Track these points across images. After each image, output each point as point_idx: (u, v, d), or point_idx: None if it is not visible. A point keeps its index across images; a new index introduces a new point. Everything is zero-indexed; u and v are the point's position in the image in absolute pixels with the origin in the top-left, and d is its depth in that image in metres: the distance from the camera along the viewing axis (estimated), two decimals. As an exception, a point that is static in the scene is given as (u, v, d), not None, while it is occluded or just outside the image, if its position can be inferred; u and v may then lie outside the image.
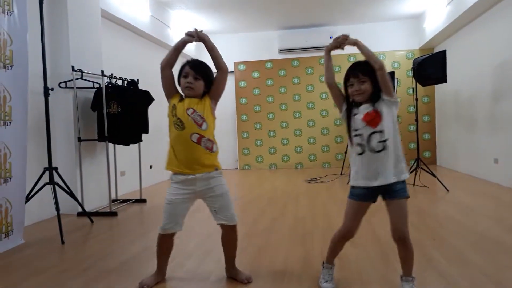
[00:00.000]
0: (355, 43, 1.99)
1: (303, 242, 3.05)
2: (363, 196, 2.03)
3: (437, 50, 7.67)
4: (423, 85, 5.32)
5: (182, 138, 2.13)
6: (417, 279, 2.24)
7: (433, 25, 7.04)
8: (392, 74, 5.94)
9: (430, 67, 5.08)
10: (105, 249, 3.05)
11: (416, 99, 5.32)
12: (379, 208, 3.83)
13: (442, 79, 5.06)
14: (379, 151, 1.91)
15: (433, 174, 5.17)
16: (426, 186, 5.29)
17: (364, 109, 1.98)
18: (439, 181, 5.14)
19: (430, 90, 7.97)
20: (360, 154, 1.97)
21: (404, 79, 8.02)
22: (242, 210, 4.34)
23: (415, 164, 5.32)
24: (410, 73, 7.89)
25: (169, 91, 2.23)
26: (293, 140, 8.51)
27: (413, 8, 7.27)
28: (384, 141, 1.90)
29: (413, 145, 8.06)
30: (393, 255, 2.67)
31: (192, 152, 2.13)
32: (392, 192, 1.95)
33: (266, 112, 8.57)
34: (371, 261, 2.60)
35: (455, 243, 2.89)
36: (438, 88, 7.83)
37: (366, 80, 1.96)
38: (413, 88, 5.32)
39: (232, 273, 2.34)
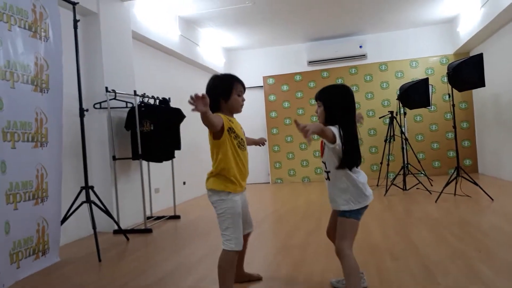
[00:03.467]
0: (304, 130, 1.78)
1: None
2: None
3: (472, 54, 7.39)
4: (460, 90, 5.12)
5: (245, 156, 2.21)
6: (464, 294, 2.11)
7: (467, 28, 6.81)
8: (426, 81, 5.76)
9: (466, 72, 4.88)
10: (141, 266, 3.07)
11: (453, 105, 5.11)
12: (417, 221, 3.69)
13: (480, 83, 4.85)
14: (326, 179, 2.14)
15: (475, 183, 4.91)
16: (468, 196, 5.03)
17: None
18: (482, 189, 4.87)
19: (467, 96, 7.67)
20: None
21: (439, 85, 7.76)
22: (275, 224, 4.27)
23: (455, 173, 5.08)
24: (445, 79, 7.68)
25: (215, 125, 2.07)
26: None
27: (446, 12, 7.06)
28: (328, 172, 2.09)
29: (452, 153, 7.74)
30: (435, 268, 2.53)
31: (246, 170, 2.24)
32: (339, 212, 2.10)
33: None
34: (412, 274, 2.46)
35: (503, 256, 2.71)
36: (476, 93, 7.51)
37: (320, 105, 2.10)
38: (449, 94, 5.12)
39: None
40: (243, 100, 2.24)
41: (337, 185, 2.07)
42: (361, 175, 2.08)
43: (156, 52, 6.03)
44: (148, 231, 4.27)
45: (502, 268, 2.46)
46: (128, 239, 3.98)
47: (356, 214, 2.04)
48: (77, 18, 3.55)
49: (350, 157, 1.99)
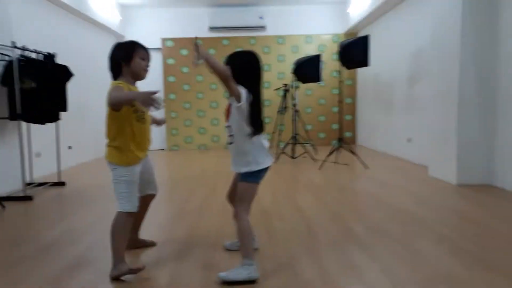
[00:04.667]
0: (205, 58, 1.92)
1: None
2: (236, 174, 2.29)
3: (360, 35, 8.05)
4: (348, 68, 5.57)
5: (145, 129, 2.18)
6: (341, 250, 2.40)
7: (357, 10, 7.36)
8: (318, 57, 6.14)
9: (354, 51, 5.32)
10: (20, 235, 2.82)
11: (341, 81, 5.55)
12: (302, 187, 3.99)
13: (365, 62, 5.33)
14: (230, 144, 2.18)
15: (353, 152, 5.48)
16: (347, 164, 5.61)
17: (228, 101, 2.17)
18: (359, 159, 5.47)
19: (352, 74, 8.39)
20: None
21: (330, 62, 8.32)
22: (171, 190, 4.26)
23: (338, 143, 5.59)
24: (335, 57, 8.26)
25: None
26: (223, 121, 8.46)
27: (338, -7, 7.52)
28: (231, 135, 2.13)
29: (335, 126, 8.47)
30: (317, 227, 2.81)
31: (147, 140, 2.23)
32: (240, 175, 2.17)
33: (196, 92, 8.42)
34: (297, 233, 2.70)
35: (373, 216, 3.12)
36: (360, 71, 8.26)
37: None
38: (338, 71, 5.54)
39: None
40: (147, 66, 2.16)
41: (240, 148, 2.12)
42: (262, 139, 2.16)
43: (41, 0, 5.34)
44: (27, 198, 3.91)
45: (371, 227, 2.84)
46: (4, 206, 3.60)
47: (256, 178, 2.13)
48: None
49: (255, 120, 2.06)
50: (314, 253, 2.35)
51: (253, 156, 2.10)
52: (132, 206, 2.10)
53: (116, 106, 1.97)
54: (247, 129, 2.06)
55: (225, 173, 5.24)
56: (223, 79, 1.94)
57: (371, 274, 2.06)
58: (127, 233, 2.15)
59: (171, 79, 8.36)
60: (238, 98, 2.00)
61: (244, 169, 2.12)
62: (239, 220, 2.09)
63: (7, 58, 4.08)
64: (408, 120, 6.00)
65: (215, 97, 8.45)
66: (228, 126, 2.14)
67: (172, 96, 8.38)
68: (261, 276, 2.02)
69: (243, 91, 2.01)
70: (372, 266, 2.16)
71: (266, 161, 2.14)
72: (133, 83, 2.13)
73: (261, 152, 2.13)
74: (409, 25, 5.87)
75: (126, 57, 2.08)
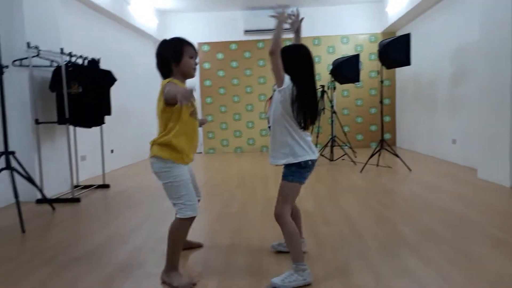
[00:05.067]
0: (279, 24, 1.97)
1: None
2: None
3: (399, 33, 7.85)
4: (388, 67, 5.42)
5: (196, 126, 2.14)
6: (390, 253, 2.32)
7: (395, 9, 7.17)
8: (357, 57, 6.02)
9: (395, 50, 5.17)
10: (71, 237, 2.91)
11: (382, 82, 5.42)
12: (345, 190, 3.91)
13: (406, 62, 5.17)
14: (270, 135, 2.12)
15: (396, 155, 5.33)
16: (389, 167, 5.45)
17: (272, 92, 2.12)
18: (402, 161, 5.30)
19: (391, 73, 8.17)
20: None
21: (367, 63, 8.16)
22: (211, 193, 4.28)
23: (379, 145, 5.45)
24: (373, 57, 8.10)
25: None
26: (259, 123, 8.48)
27: (376, -9, 7.36)
28: (269, 127, 2.09)
29: (374, 127, 8.28)
30: (364, 232, 2.73)
31: (196, 141, 2.16)
32: (282, 174, 2.09)
33: (231, 95, 8.47)
34: (344, 238, 2.63)
35: (423, 220, 3.00)
36: (399, 71, 8.04)
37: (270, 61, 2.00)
38: (377, 71, 5.41)
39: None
40: (196, 63, 2.13)
41: (277, 138, 2.04)
42: (305, 134, 2.07)
43: (84, 8, 5.54)
44: (75, 200, 4.04)
45: (421, 230, 2.73)
46: (54, 208, 3.74)
47: (299, 177, 2.03)
48: (-7, -40, 3.12)
49: (301, 113, 1.96)
50: (364, 258, 2.28)
51: (290, 148, 2.01)
52: (192, 209, 2.01)
53: (172, 100, 1.87)
54: (286, 120, 1.99)
55: (263, 176, 5.21)
56: (273, 51, 1.89)
57: (427, 279, 1.97)
58: (185, 238, 2.12)
59: (207, 83, 8.45)
60: (279, 80, 1.94)
61: (281, 161, 2.03)
62: (283, 224, 2.01)
63: (55, 64, 4.24)
64: (452, 120, 5.76)
65: (251, 100, 8.46)
66: (268, 118, 2.10)
67: (208, 100, 8.46)
68: (313, 281, 1.98)
69: (287, 78, 1.95)
70: (428, 271, 2.06)
71: (307, 155, 2.02)
72: (183, 82, 2.09)
73: (301, 145, 2.02)
74: (452, 22, 5.65)
75: (176, 58, 2.02)
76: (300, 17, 2.12)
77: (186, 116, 2.02)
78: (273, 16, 1.99)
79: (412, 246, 2.44)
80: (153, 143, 2.04)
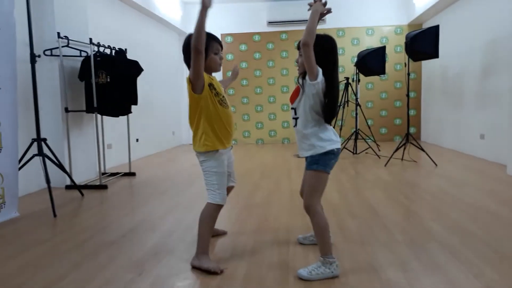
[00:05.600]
0: (314, 12, 1.97)
1: (302, 213, 3.03)
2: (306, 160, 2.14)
3: (425, 26, 7.66)
4: (415, 60, 5.32)
5: (229, 114, 2.17)
6: (419, 247, 2.29)
7: (423, 0, 7.00)
8: (383, 49, 5.92)
9: (423, 42, 5.06)
10: (100, 222, 2.98)
11: (409, 74, 5.32)
12: (370, 183, 3.86)
13: (434, 54, 5.06)
14: (294, 126, 2.11)
15: (422, 149, 5.24)
16: (414, 161, 5.37)
17: (296, 83, 2.12)
18: (428, 156, 5.21)
19: (417, 66, 8.00)
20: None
21: (392, 55, 8.02)
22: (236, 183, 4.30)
23: (405, 139, 5.36)
24: (399, 49, 7.95)
25: (202, 70, 2.00)
26: (280, 115, 8.46)
27: (404, -18, 7.19)
28: (296, 118, 2.07)
29: (398, 121, 8.15)
30: (393, 226, 2.70)
31: (231, 129, 2.20)
32: (306, 163, 2.09)
33: (254, 86, 8.46)
34: (372, 231, 2.61)
35: (452, 215, 2.94)
36: (425, 64, 7.87)
37: (301, 53, 1.96)
38: (405, 63, 5.31)
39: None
40: (221, 58, 2.18)
41: (304, 131, 2.03)
42: (328, 124, 2.07)
43: (110, -1, 5.61)
44: (103, 187, 4.13)
45: (451, 226, 2.69)
46: (82, 194, 3.83)
47: (325, 166, 2.00)
48: (27, -49, 3.18)
49: (329, 106, 1.98)
50: (393, 251, 2.26)
51: (316, 139, 2.00)
52: (222, 198, 2.13)
53: (197, 41, 1.88)
54: (316, 113, 1.99)
55: (286, 167, 5.21)
56: (307, 43, 1.84)
57: (459, 276, 1.94)
58: (214, 224, 2.17)
59: (230, 74, 8.43)
60: (313, 74, 1.91)
61: (308, 153, 2.02)
62: (314, 215, 2.00)
63: (84, 54, 4.31)
64: (480, 115, 5.62)
65: (273, 92, 8.44)
66: (293, 109, 2.09)
67: (230, 91, 8.47)
68: (340, 274, 1.97)
69: (320, 71, 1.93)
70: (459, 267, 2.03)
71: (332, 144, 2.00)
72: (209, 74, 2.14)
73: (326, 135, 2.01)
74: (483, 13, 5.48)
75: (206, 51, 2.03)
76: (327, 8, 2.07)
77: (215, 105, 2.07)
78: (310, 5, 1.99)
79: (441, 241, 2.40)
80: (193, 138, 2.17)
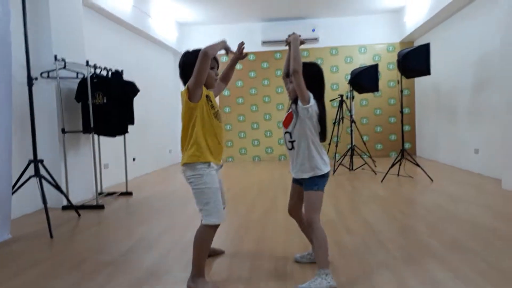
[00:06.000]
0: (288, 42, 2.16)
1: (298, 231, 3.03)
2: (294, 180, 2.33)
3: (417, 43, 7.82)
4: (407, 77, 5.41)
5: (222, 129, 2.19)
6: (419, 265, 2.30)
7: (414, 19, 7.16)
8: (376, 67, 6.02)
9: (414, 60, 5.16)
10: (97, 242, 2.97)
11: (402, 91, 5.40)
12: (366, 199, 3.89)
13: (426, 71, 5.15)
14: (290, 149, 2.20)
15: (418, 165, 5.28)
16: (410, 176, 5.40)
17: (289, 109, 2.23)
18: (424, 171, 5.25)
19: (410, 83, 8.12)
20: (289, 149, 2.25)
21: (385, 72, 8.14)
22: (232, 202, 4.30)
23: (400, 155, 5.41)
24: (391, 66, 8.08)
25: (205, 75, 2.04)
26: (276, 132, 8.52)
27: (394, 2, 7.37)
28: (292, 141, 2.16)
29: (393, 137, 8.22)
30: (389, 242, 2.71)
31: (222, 144, 2.20)
32: (304, 185, 2.19)
33: (249, 104, 8.54)
34: (369, 248, 2.62)
35: (449, 231, 2.96)
36: (418, 80, 7.99)
37: (292, 81, 2.09)
38: (398, 81, 5.40)
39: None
40: (217, 74, 2.22)
41: (302, 154, 2.14)
42: (322, 146, 2.22)
43: (107, 21, 5.70)
44: (100, 207, 4.12)
45: (448, 241, 2.70)
46: (79, 215, 3.82)
47: (322, 185, 2.15)
48: (25, -23, 3.26)
49: (323, 128, 2.16)
50: (390, 267, 2.27)
51: (315, 162, 2.13)
52: (217, 217, 2.05)
53: (204, 61, 1.96)
54: (312, 135, 2.11)
55: (282, 185, 5.23)
56: (296, 70, 1.99)
57: (457, 291, 1.95)
58: (209, 245, 2.14)
59: (226, 92, 8.54)
60: (305, 99, 2.04)
61: (308, 175, 2.14)
62: (315, 229, 2.10)
63: (81, 75, 4.36)
64: (474, 130, 5.69)
65: (268, 110, 8.51)
66: (287, 132, 2.18)
67: (226, 109, 8.54)
68: (336, 286, 1.98)
69: (311, 95, 2.07)
70: (457, 283, 2.04)
71: (327, 167, 2.18)
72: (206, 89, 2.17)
73: (323, 158, 2.16)
74: (473, 30, 5.60)
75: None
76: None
77: (210, 117, 2.09)
78: (287, 42, 2.17)
79: (439, 257, 2.41)
80: (183, 151, 2.12)
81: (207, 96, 2.09)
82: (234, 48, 2.49)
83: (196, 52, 2.10)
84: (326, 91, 2.23)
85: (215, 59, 2.19)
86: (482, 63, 5.42)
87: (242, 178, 6.06)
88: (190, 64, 2.05)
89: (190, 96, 2.03)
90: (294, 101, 2.15)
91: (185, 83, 2.12)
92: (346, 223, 3.26)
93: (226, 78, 2.53)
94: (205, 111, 2.07)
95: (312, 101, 2.06)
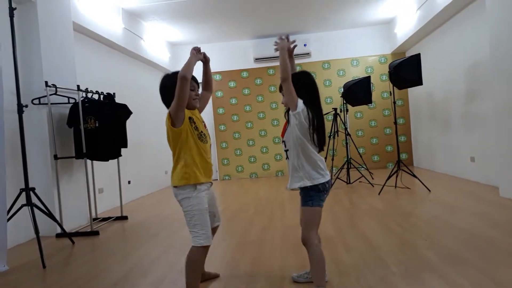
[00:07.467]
0: (281, 50, 2.09)
1: (295, 250, 2.99)
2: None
3: (408, 54, 7.88)
4: (400, 88, 5.42)
5: (207, 150, 2.18)
6: (415, 278, 2.25)
7: (404, 30, 7.23)
8: (368, 79, 6.04)
9: (406, 70, 5.18)
10: (91, 271, 2.91)
11: (394, 102, 5.41)
12: (364, 213, 3.85)
13: (418, 81, 5.17)
14: (286, 159, 2.18)
15: (414, 176, 5.25)
16: (408, 188, 5.37)
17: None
18: (421, 182, 5.22)
19: (403, 93, 8.16)
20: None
21: (378, 84, 8.18)
22: (229, 221, 4.25)
23: (396, 166, 5.38)
24: (384, 77, 8.12)
25: (186, 99, 2.06)
26: (273, 148, 8.50)
27: (384, 14, 7.45)
28: (286, 150, 2.14)
29: (390, 148, 8.21)
30: (387, 257, 2.67)
31: (210, 162, 2.21)
32: (300, 198, 2.14)
33: (244, 121, 8.53)
34: (367, 264, 2.57)
35: (446, 242, 2.92)
36: (411, 91, 8.02)
37: (283, 88, 2.07)
38: (390, 92, 5.41)
39: None
40: (196, 94, 2.22)
41: (294, 163, 2.11)
42: (318, 156, 2.14)
43: (98, 45, 5.72)
44: (94, 233, 4.06)
45: (446, 254, 2.65)
46: (73, 242, 3.76)
47: (318, 201, 2.08)
48: (13, 5, 3.27)
49: (318, 137, 2.08)
50: (389, 284, 2.22)
51: (305, 171, 2.07)
52: (205, 239, 2.08)
53: (184, 81, 1.97)
54: (302, 143, 2.07)
55: (280, 202, 5.18)
56: (284, 78, 1.99)
57: (457, 308, 1.90)
58: (201, 267, 2.14)
59: (220, 110, 8.54)
60: (293, 105, 2.03)
61: (298, 184, 2.09)
62: (311, 246, 2.05)
63: (72, 100, 4.35)
64: (469, 138, 5.68)
65: (264, 126, 8.51)
66: (283, 142, 2.17)
67: (222, 127, 8.53)
68: (337, 311, 1.93)
69: (300, 101, 2.05)
70: (457, 298, 1.99)
71: (322, 177, 2.08)
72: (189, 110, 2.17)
73: (317, 167, 2.09)
74: (462, 39, 5.65)
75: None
76: (292, 43, 2.20)
77: (194, 140, 2.10)
78: (276, 47, 2.12)
79: (437, 270, 2.37)
80: (172, 173, 2.13)
81: (190, 118, 2.10)
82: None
83: (174, 74, 2.10)
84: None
85: (195, 80, 2.19)
86: (472, 72, 5.44)
87: (239, 196, 6.00)
88: (170, 87, 2.06)
89: (173, 121, 2.04)
90: (287, 110, 2.14)
91: (166, 107, 2.13)
92: (344, 240, 3.21)
93: (206, 85, 2.46)
94: (189, 133, 2.09)
95: (300, 107, 2.03)
